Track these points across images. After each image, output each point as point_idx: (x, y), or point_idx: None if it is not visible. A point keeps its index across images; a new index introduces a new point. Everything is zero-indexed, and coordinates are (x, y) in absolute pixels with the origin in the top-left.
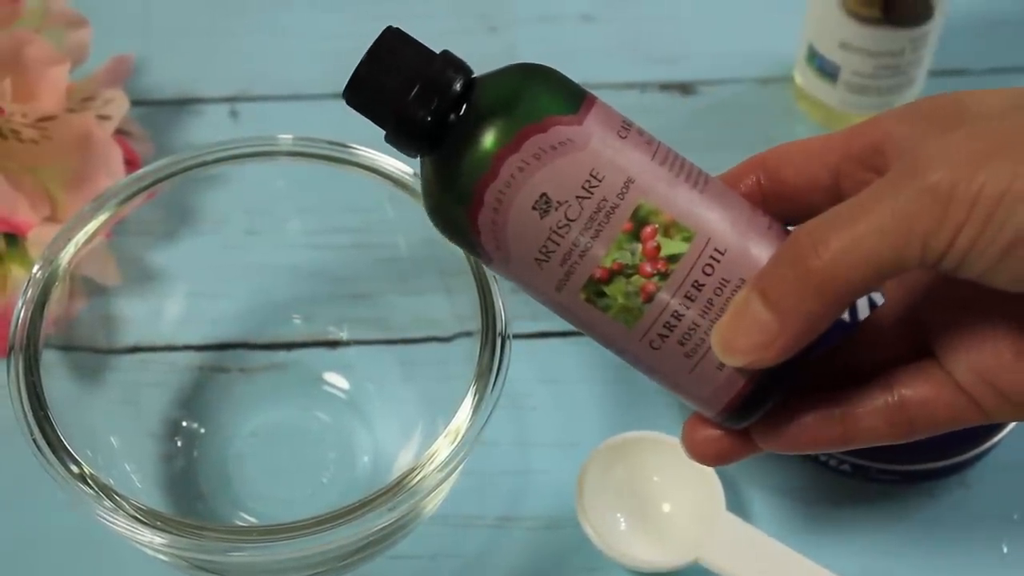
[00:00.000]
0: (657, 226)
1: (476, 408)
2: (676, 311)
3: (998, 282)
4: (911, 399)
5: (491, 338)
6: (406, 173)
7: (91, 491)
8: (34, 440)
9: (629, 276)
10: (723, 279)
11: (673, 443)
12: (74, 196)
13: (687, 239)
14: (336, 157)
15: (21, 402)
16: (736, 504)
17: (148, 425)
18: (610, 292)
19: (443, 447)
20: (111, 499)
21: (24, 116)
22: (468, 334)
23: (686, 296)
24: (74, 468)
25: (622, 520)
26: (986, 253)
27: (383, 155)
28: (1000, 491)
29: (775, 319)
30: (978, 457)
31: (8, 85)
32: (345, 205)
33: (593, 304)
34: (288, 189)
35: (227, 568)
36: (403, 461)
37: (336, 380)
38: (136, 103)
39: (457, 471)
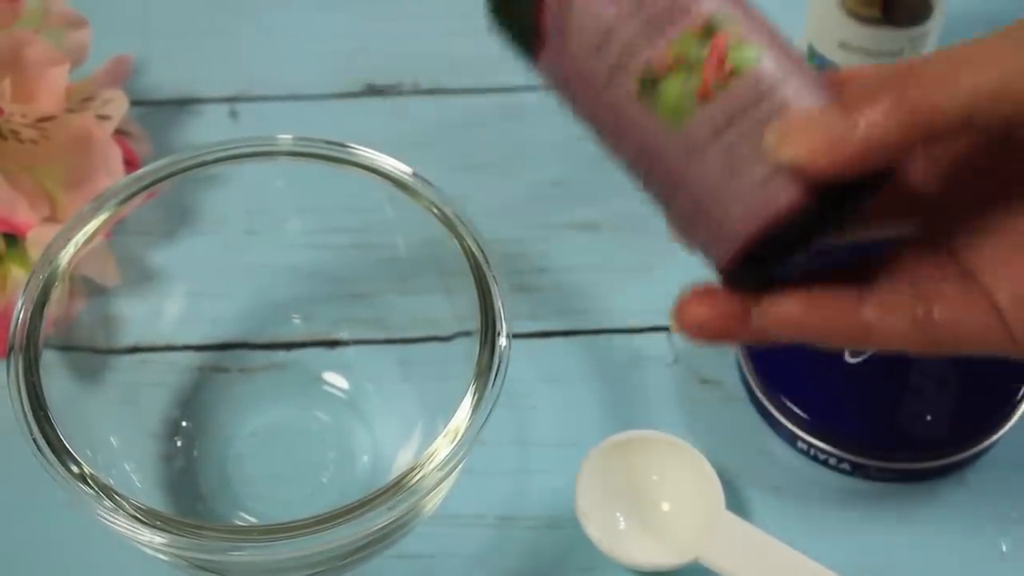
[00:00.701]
0: (729, 35)
1: (475, 407)
2: (730, 116)
3: None
4: (942, 312)
5: (490, 337)
6: (405, 173)
7: (91, 491)
8: (34, 440)
9: (689, 73)
10: (782, 103)
11: (673, 442)
12: (74, 196)
13: (754, 58)
14: (335, 157)
15: (21, 402)
16: (735, 503)
17: (148, 425)
18: (665, 87)
19: (442, 446)
20: (111, 499)
21: (23, 116)
22: (467, 334)
23: (742, 108)
24: (74, 468)
25: (622, 519)
26: None
27: (383, 155)
28: (1000, 490)
29: (849, 122)
30: (977, 456)
31: (7, 85)
32: (345, 205)
33: (643, 99)
34: (287, 189)
35: (227, 568)
36: (402, 460)
37: (335, 380)
38: (136, 103)
39: (456, 470)
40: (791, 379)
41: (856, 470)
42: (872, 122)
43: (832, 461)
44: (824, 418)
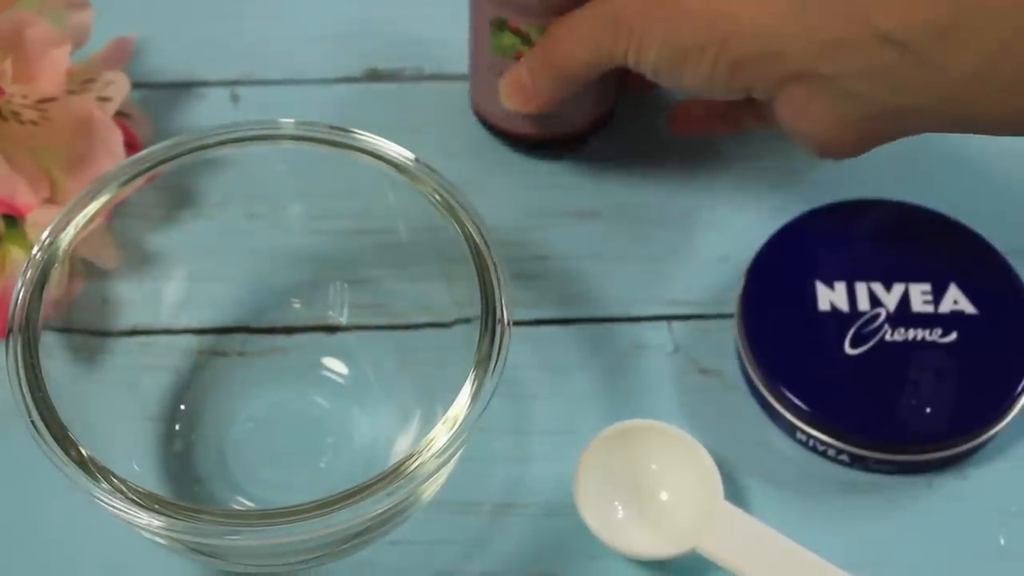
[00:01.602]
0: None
1: (475, 395)
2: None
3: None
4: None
5: (491, 325)
6: (407, 159)
7: (89, 474)
8: (32, 423)
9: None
10: None
11: (672, 432)
12: (74, 178)
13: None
14: (337, 142)
15: (20, 384)
16: (734, 493)
17: (147, 408)
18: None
19: (441, 433)
20: (109, 482)
21: (24, 97)
22: (467, 320)
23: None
24: (72, 451)
25: (620, 508)
26: (647, 69)
27: (384, 140)
28: (998, 483)
29: (530, 81)
30: (976, 449)
31: (8, 66)
32: (346, 190)
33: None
34: (289, 173)
35: (225, 551)
36: (401, 447)
37: (335, 365)
38: (137, 85)
39: (455, 457)
40: (791, 370)
41: (855, 462)
42: (537, 77)
43: (831, 452)
44: (823, 409)
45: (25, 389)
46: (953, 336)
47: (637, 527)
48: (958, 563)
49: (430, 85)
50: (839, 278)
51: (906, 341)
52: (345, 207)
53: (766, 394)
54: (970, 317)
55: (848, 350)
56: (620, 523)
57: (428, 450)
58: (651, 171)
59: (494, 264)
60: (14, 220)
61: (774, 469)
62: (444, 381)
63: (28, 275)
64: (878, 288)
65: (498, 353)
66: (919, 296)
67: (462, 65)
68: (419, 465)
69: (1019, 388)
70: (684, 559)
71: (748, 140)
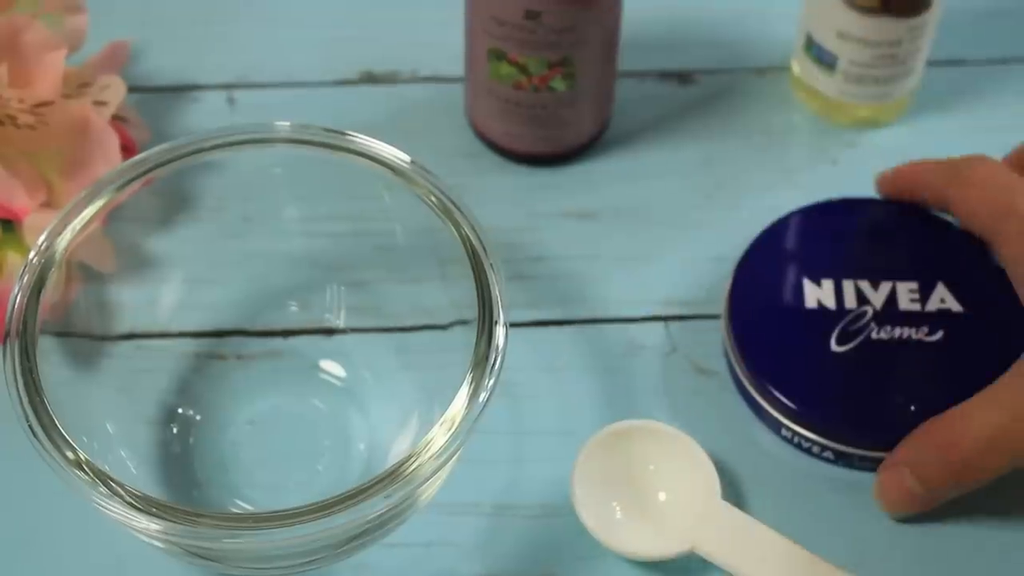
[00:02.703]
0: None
1: (472, 396)
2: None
3: None
4: None
5: (488, 326)
6: (403, 161)
7: (87, 477)
8: (30, 426)
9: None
10: None
11: (669, 432)
12: (71, 182)
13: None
14: (333, 144)
15: (17, 388)
16: (731, 493)
17: (144, 412)
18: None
19: (439, 435)
20: (106, 485)
21: (21, 102)
22: (465, 322)
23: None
24: (69, 454)
25: (618, 509)
26: None
27: (380, 143)
28: (997, 484)
29: (924, 491)
30: None
31: (4, 70)
32: (342, 193)
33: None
34: (285, 176)
35: (223, 555)
36: (399, 449)
37: (332, 368)
38: (133, 89)
39: (453, 459)
40: (776, 366)
41: (839, 458)
42: (934, 486)
43: (815, 449)
44: (807, 406)
45: (22, 393)
46: (939, 335)
47: (635, 527)
48: (957, 565)
49: (426, 88)
50: (827, 276)
51: (892, 339)
52: (341, 210)
53: (751, 390)
54: (956, 316)
55: (834, 347)
56: (618, 523)
57: (426, 452)
58: (647, 172)
59: (491, 266)
60: (11, 224)
61: (771, 469)
62: (442, 383)
63: (25, 279)
64: (865, 286)
65: (495, 354)
66: (906, 295)
67: (458, 68)
68: (417, 467)
69: None
70: (682, 559)
71: (743, 142)
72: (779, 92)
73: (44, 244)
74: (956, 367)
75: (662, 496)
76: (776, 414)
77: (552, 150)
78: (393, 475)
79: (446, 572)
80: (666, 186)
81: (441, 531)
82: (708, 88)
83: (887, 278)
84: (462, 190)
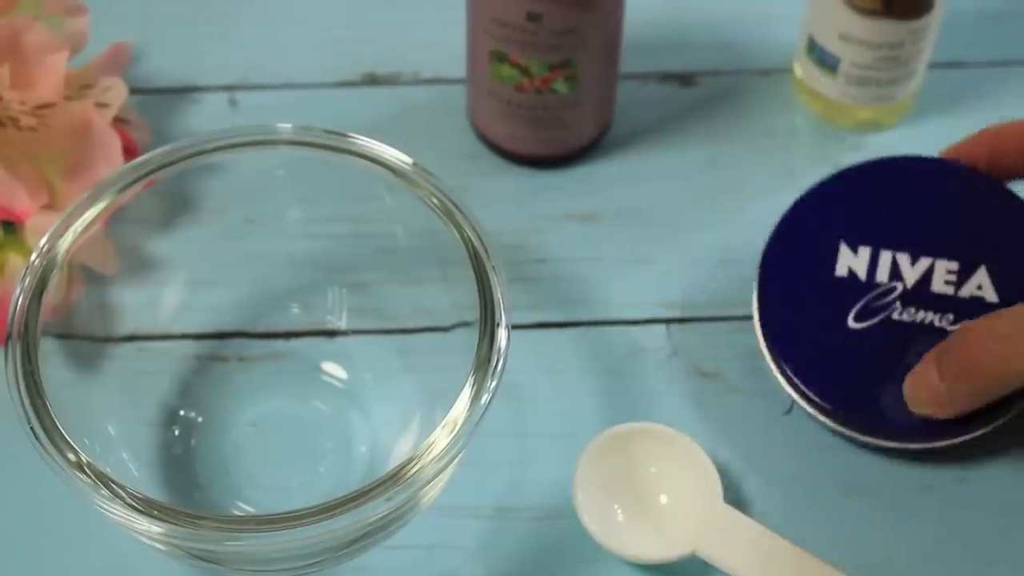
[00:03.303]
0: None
1: (474, 398)
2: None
3: None
4: None
5: (490, 328)
6: (405, 163)
7: (88, 479)
8: (31, 428)
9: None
10: None
11: (671, 435)
12: (72, 184)
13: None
14: (335, 146)
15: (19, 390)
16: (733, 496)
17: (145, 414)
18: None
19: (441, 437)
20: (108, 488)
21: (22, 103)
22: (467, 324)
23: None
24: (71, 456)
25: (619, 511)
26: None
27: (382, 145)
28: (998, 485)
29: (943, 386)
30: (974, 443)
31: (6, 72)
32: (344, 195)
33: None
34: (287, 178)
35: (224, 557)
36: (401, 451)
37: (334, 370)
38: (135, 91)
39: (455, 461)
40: (790, 334)
41: (836, 434)
42: (955, 387)
43: (819, 420)
44: (810, 381)
45: (24, 395)
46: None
47: (636, 530)
48: (960, 566)
49: (427, 89)
50: (865, 242)
51: (913, 322)
52: (343, 212)
53: (766, 352)
54: (988, 307)
55: (851, 324)
56: (619, 526)
57: (428, 454)
58: (649, 175)
59: (493, 268)
60: (13, 226)
61: (773, 471)
62: (443, 385)
63: (27, 281)
64: (903, 259)
65: (497, 356)
66: (943, 275)
67: (459, 69)
68: (419, 469)
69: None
70: (684, 562)
71: (745, 144)
72: (781, 94)
73: (46, 246)
74: None
75: (664, 499)
76: (782, 382)
77: (554, 152)
78: (395, 477)
79: (448, 574)
80: (668, 188)
81: (443, 533)
82: (710, 90)
83: (928, 253)
84: (464, 192)
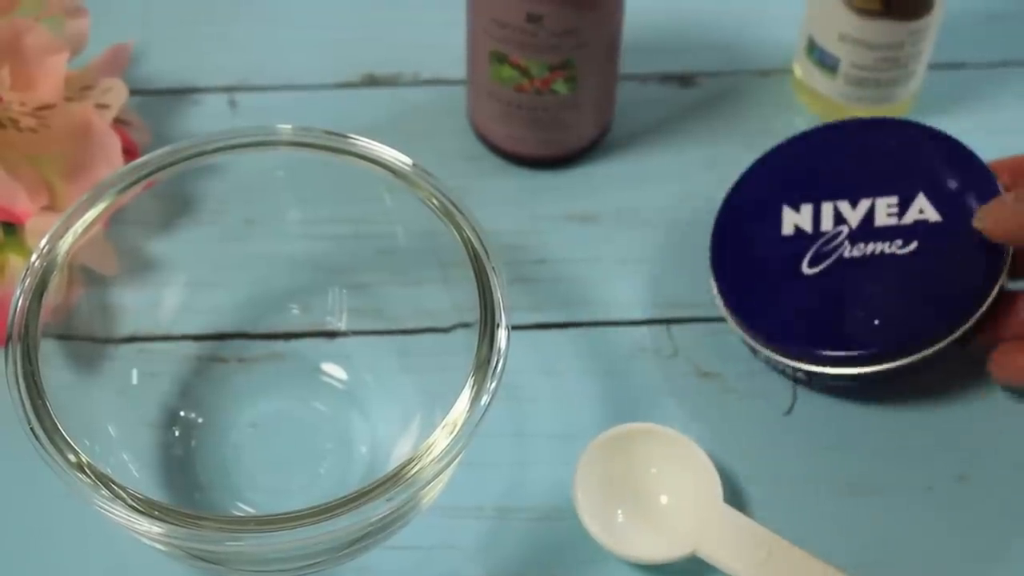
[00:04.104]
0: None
1: (474, 399)
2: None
3: None
4: None
5: (489, 329)
6: (405, 164)
7: (88, 480)
8: (32, 429)
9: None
10: None
11: (671, 435)
12: (72, 185)
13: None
14: (335, 147)
15: (19, 391)
16: (733, 497)
17: (146, 415)
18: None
19: (441, 438)
20: (109, 488)
21: (22, 105)
22: (466, 325)
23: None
24: (71, 457)
25: (620, 512)
26: None
27: (382, 146)
28: (998, 486)
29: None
30: (930, 360)
31: (7, 74)
32: (344, 196)
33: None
34: (287, 179)
35: (225, 558)
36: (401, 452)
37: (334, 370)
38: (135, 92)
39: (455, 462)
40: (750, 294)
41: (813, 379)
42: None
43: (788, 371)
44: (777, 329)
45: (25, 396)
46: (913, 246)
47: (637, 531)
48: (960, 567)
49: (427, 90)
50: (806, 200)
51: (864, 256)
52: (343, 213)
53: (729, 318)
54: (932, 226)
55: (806, 270)
56: (620, 527)
57: (428, 455)
58: (649, 175)
59: (492, 268)
60: (13, 227)
61: (774, 472)
62: (443, 386)
63: (27, 282)
64: (844, 206)
65: (497, 357)
66: (884, 210)
67: (459, 70)
68: (419, 470)
69: (980, 293)
70: (684, 563)
71: (745, 145)
72: (781, 95)
73: (46, 247)
74: (923, 275)
75: (664, 499)
76: (752, 342)
77: (554, 153)
78: (395, 478)
79: (448, 575)
80: (668, 189)
81: (443, 534)
82: (710, 91)
83: (867, 195)
84: (464, 193)
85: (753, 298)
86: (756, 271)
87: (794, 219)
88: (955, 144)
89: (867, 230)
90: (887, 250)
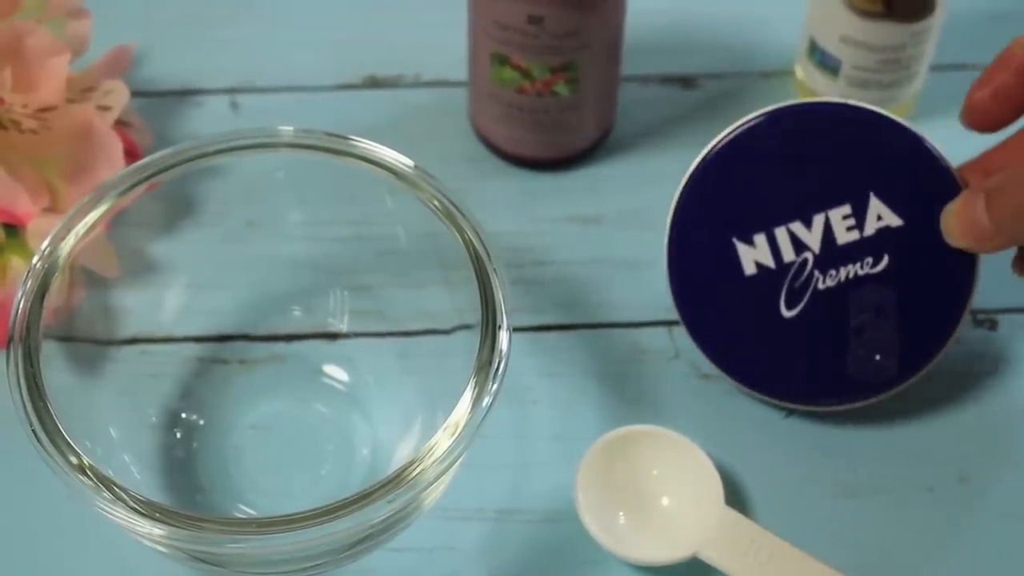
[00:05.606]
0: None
1: (476, 401)
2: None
3: None
4: None
5: (491, 331)
6: (406, 165)
7: (90, 482)
8: (33, 431)
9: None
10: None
11: (673, 437)
12: (74, 187)
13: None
14: (336, 149)
15: (20, 393)
16: (735, 499)
17: (147, 416)
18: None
19: (442, 440)
20: (110, 490)
21: (24, 106)
22: (468, 327)
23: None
24: (73, 459)
25: (621, 514)
26: None
27: (383, 147)
28: (999, 486)
29: (991, 227)
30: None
31: (8, 75)
32: (345, 197)
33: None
34: (288, 181)
35: (226, 559)
36: (402, 454)
37: (335, 372)
38: (136, 94)
39: (456, 464)
40: (732, 347)
41: (823, 418)
42: (1003, 224)
43: (793, 411)
44: (771, 381)
45: (26, 398)
46: (884, 262)
47: (638, 533)
48: (960, 568)
49: (429, 92)
50: (756, 230)
51: (839, 284)
52: (344, 214)
53: (713, 366)
54: (898, 232)
55: (784, 313)
56: (621, 529)
57: (429, 457)
58: (650, 177)
59: (494, 270)
60: (15, 229)
61: (774, 474)
62: (445, 387)
63: (29, 284)
64: (798, 228)
65: (499, 359)
66: (841, 224)
67: (461, 72)
68: (420, 472)
69: (966, 291)
70: (685, 565)
71: None
72: (783, 96)
73: (47, 249)
74: (903, 291)
75: (665, 501)
76: (747, 390)
77: (555, 154)
78: (397, 480)
79: None
80: (669, 191)
81: (444, 536)
82: (711, 92)
83: (817, 209)
84: (465, 194)
85: (737, 352)
86: (732, 322)
87: (752, 255)
88: (886, 121)
89: (832, 252)
90: (859, 271)
